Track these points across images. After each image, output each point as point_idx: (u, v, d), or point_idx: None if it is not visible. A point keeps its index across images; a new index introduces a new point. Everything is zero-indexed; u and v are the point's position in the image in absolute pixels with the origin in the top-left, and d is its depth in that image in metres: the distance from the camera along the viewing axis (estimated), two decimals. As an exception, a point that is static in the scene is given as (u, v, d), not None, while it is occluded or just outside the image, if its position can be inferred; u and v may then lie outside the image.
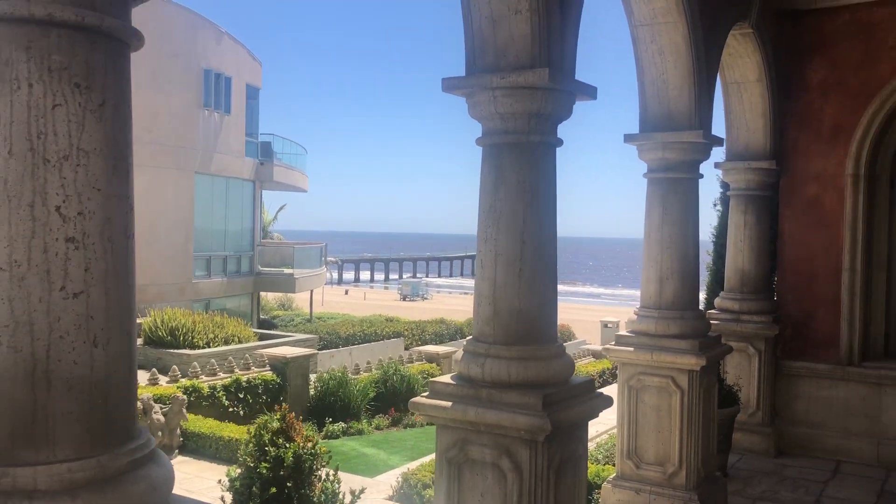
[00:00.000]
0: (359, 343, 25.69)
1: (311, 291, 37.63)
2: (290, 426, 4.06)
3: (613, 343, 6.77)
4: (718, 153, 8.92)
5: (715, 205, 10.63)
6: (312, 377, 15.42)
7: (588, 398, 4.46)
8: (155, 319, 18.86)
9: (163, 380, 13.51)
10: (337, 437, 13.64)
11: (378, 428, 14.56)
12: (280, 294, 41.32)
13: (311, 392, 14.89)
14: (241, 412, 13.15)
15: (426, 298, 67.62)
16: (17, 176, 1.99)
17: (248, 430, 4.38)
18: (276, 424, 4.04)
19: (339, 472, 10.26)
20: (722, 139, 6.91)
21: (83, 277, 2.05)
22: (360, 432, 13.96)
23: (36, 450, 2.00)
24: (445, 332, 30.20)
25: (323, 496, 3.96)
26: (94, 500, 2.02)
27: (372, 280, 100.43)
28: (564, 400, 4.24)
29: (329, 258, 48.83)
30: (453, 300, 68.05)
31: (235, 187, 31.27)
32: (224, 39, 30.40)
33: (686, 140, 6.41)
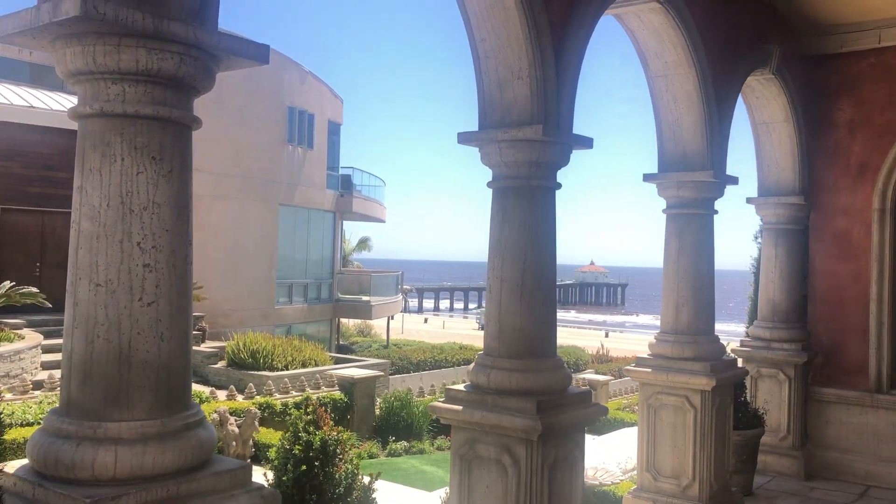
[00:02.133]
0: (429, 369, 26.53)
1: (388, 318, 38.82)
2: (320, 417, 4.89)
3: (634, 364, 7.39)
4: (752, 189, 9.44)
5: (756, 238, 11.04)
6: (378, 399, 16.31)
7: (582, 406, 5.15)
8: (238, 343, 20.11)
9: (239, 397, 14.64)
10: (399, 455, 14.43)
11: (439, 448, 15.28)
12: (359, 321, 42.62)
13: (377, 412, 15.76)
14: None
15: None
16: (112, 221, 2.90)
17: (287, 420, 5.22)
18: (308, 416, 4.89)
19: (398, 485, 11.01)
20: (736, 178, 7.48)
21: (154, 292, 2.94)
22: (422, 451, 14.71)
23: (120, 411, 2.89)
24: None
25: (345, 475, 4.77)
26: (158, 448, 2.89)
27: (451, 309, 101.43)
28: (558, 406, 4.95)
29: (405, 286, 49.98)
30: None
31: (317, 218, 32.74)
32: (308, 79, 32.08)
33: (699, 179, 7.04)
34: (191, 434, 3.01)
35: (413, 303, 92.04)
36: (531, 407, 4.77)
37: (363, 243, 49.87)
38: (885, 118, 8.81)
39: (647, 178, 7.33)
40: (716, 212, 7.31)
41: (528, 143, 4.94)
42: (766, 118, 8.93)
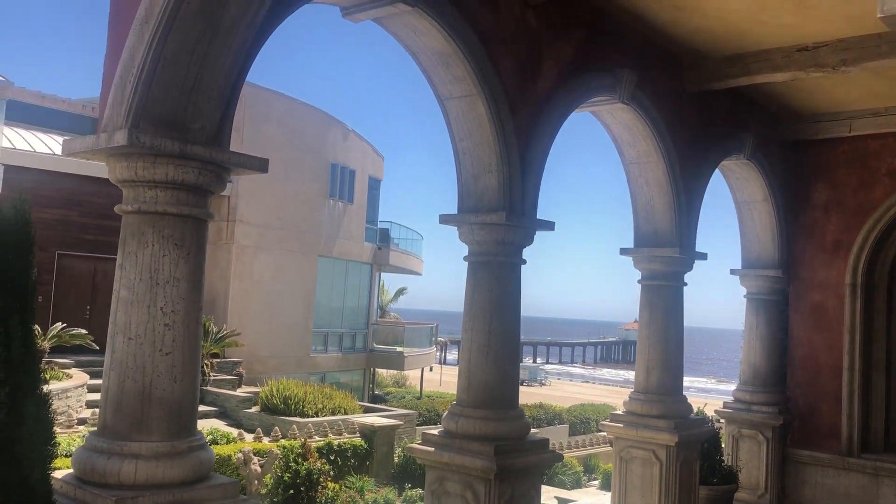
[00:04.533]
0: (456, 420, 27.09)
1: (422, 369, 39.61)
2: (308, 450, 5.77)
3: (609, 420, 8.15)
4: (736, 261, 10.21)
5: (748, 305, 11.71)
6: (398, 447, 17.08)
7: (539, 452, 5.98)
8: (271, 389, 21.06)
9: (266, 439, 15.56)
10: (415, 501, 15.15)
11: (454, 496, 15.94)
12: (395, 371, 43.41)
13: (396, 460, 16.53)
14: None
15: (544, 384, 67.82)
16: (143, 291, 3.90)
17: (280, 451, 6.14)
18: (298, 449, 5.78)
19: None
20: (705, 254, 8.29)
21: (171, 345, 3.92)
22: (436, 498, 15.40)
23: (141, 434, 3.85)
24: (543, 416, 31.12)
25: (325, 499, 5.64)
26: (168, 464, 3.83)
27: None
28: (515, 451, 5.79)
29: (440, 338, 50.70)
30: (571, 387, 68.01)
31: (354, 270, 33.89)
32: (350, 136, 33.61)
33: (668, 255, 7.88)
34: (194, 454, 3.95)
35: (453, 355, 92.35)
36: (490, 450, 5.62)
37: (400, 292, 50.89)
38: (857, 200, 9.56)
39: (623, 251, 8.19)
40: (685, 284, 8.12)
41: (495, 226, 5.88)
42: (746, 197, 9.74)
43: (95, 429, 4.02)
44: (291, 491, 5.39)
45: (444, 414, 6.10)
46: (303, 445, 5.89)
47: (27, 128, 24.29)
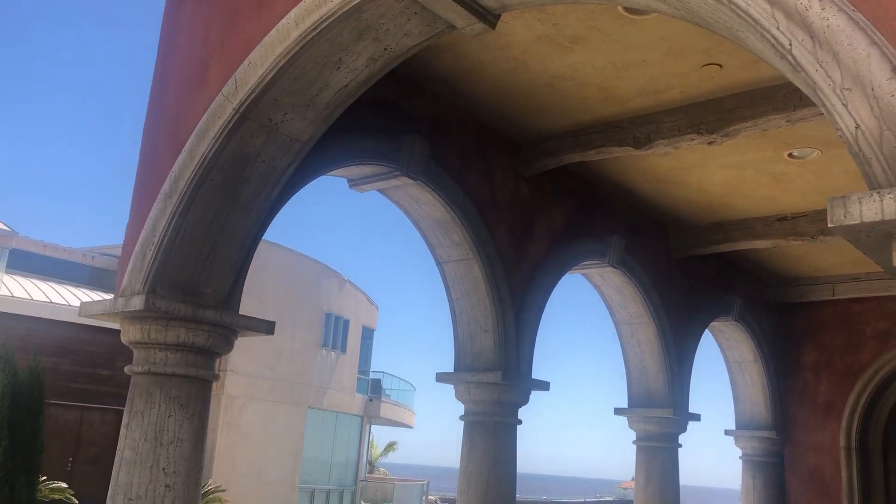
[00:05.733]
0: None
1: (412, 530, 38.07)
2: None
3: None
4: (729, 420, 10.23)
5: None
6: None
7: None
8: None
9: None
10: None
11: None
12: (382, 533, 41.65)
13: None
14: None
15: (538, 547, 64.70)
16: (146, 451, 3.97)
17: None
18: None
19: None
20: (698, 415, 8.35)
21: (171, 506, 3.94)
22: None
23: None
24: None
25: None
26: None
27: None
28: None
29: (430, 496, 49.04)
30: (569, 548, 64.90)
31: (344, 422, 33.28)
32: (345, 286, 33.99)
33: (661, 415, 7.94)
34: None
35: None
36: None
37: (390, 447, 49.69)
38: (845, 362, 9.73)
39: (618, 411, 8.25)
40: (680, 445, 8.12)
41: (491, 385, 6.01)
42: (737, 357, 9.90)
43: None
44: None
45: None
46: None
47: (26, 276, 24.62)
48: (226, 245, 4.19)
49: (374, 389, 36.32)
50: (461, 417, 6.22)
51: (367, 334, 36.13)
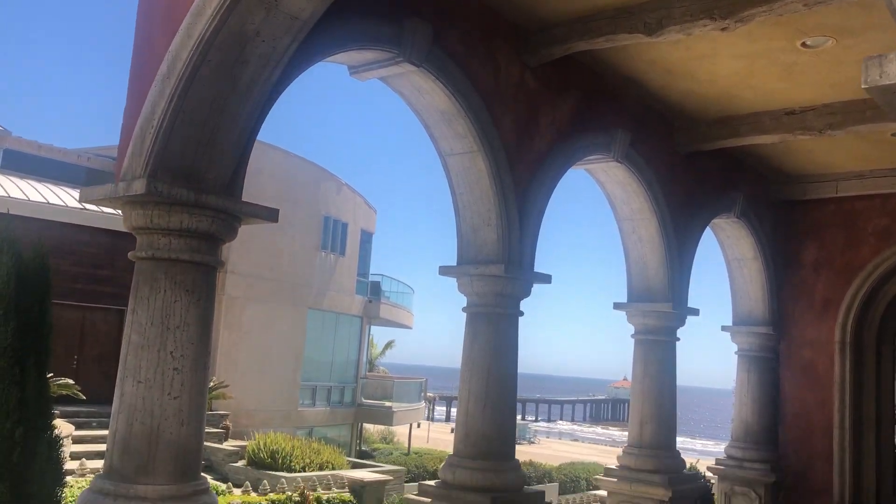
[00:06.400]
0: (444, 477, 26.76)
1: (411, 425, 39.23)
2: (306, 499, 5.78)
3: (603, 474, 8.17)
4: (727, 316, 10.35)
5: (739, 362, 11.81)
6: (386, 502, 16.88)
7: (534, 504, 6.00)
8: (258, 443, 20.77)
9: (254, 494, 15.38)
10: (403, 558, 14.94)
11: (443, 554, 15.73)
12: (382, 427, 42.89)
13: (385, 515, 16.33)
14: None
15: (532, 442, 66.91)
16: (153, 335, 3.99)
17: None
18: (296, 497, 5.79)
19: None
20: (697, 310, 8.43)
21: (179, 389, 3.99)
22: (425, 556, 15.19)
23: (147, 477, 3.89)
24: (533, 474, 30.70)
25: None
26: (173, 507, 3.87)
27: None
28: (512, 503, 5.81)
29: (429, 394, 50.34)
30: (559, 445, 67.10)
31: (344, 322, 33.79)
32: (343, 190, 33.88)
33: (660, 310, 8.01)
34: (199, 498, 3.99)
35: (441, 410, 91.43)
36: (486, 502, 5.64)
37: (389, 345, 50.63)
38: (844, 259, 9.77)
39: (617, 306, 8.32)
40: (678, 339, 8.24)
41: (494, 278, 6.01)
42: (737, 255, 9.93)
43: (101, 471, 4.06)
44: (290, 538, 5.38)
45: (442, 464, 6.13)
46: (301, 493, 5.90)
47: (22, 176, 24.44)
48: (226, 129, 4.09)
49: (374, 291, 36.70)
50: (464, 309, 6.26)
51: (366, 238, 36.24)
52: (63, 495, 3.46)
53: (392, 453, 35.73)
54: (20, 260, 3.45)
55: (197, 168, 4.07)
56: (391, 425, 36.84)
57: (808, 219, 10.12)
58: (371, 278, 36.88)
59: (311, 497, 5.95)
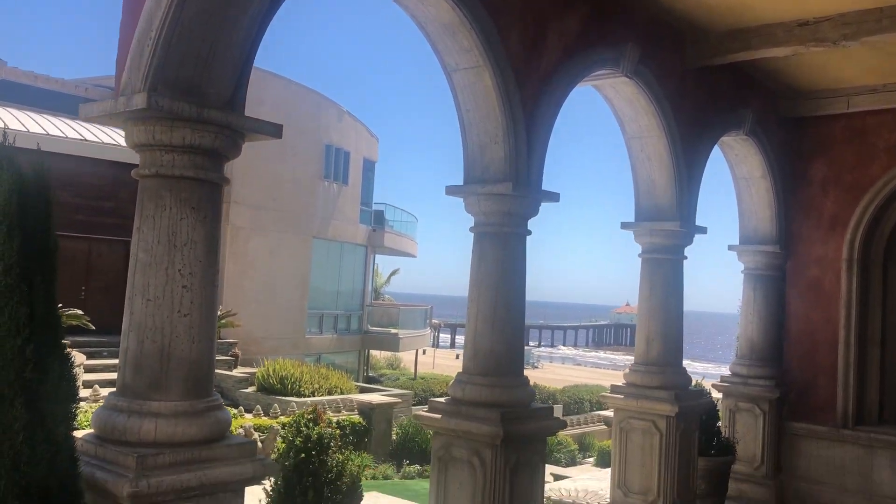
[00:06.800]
0: (451, 401, 27.27)
1: (417, 352, 39.79)
2: (319, 416, 5.87)
3: (609, 391, 8.26)
4: (734, 237, 10.30)
5: (745, 282, 11.83)
6: (396, 425, 17.23)
7: (542, 419, 6.08)
8: (268, 369, 21.13)
9: (265, 417, 15.69)
10: (412, 477, 15.29)
11: (451, 473, 16.11)
12: (388, 354, 43.52)
13: (394, 437, 16.68)
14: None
15: (536, 367, 68.00)
16: (161, 254, 3.95)
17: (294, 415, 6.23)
18: (309, 415, 5.88)
19: (407, 501, 11.75)
20: (705, 228, 8.37)
21: (189, 307, 3.97)
22: (434, 475, 15.57)
23: (160, 393, 3.91)
24: (537, 397, 31.31)
25: (336, 463, 5.74)
26: (186, 423, 3.90)
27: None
28: (521, 417, 5.88)
29: (434, 321, 50.87)
30: (563, 370, 68.23)
31: (349, 251, 33.92)
32: (345, 118, 33.53)
33: (668, 228, 7.96)
34: (211, 414, 4.02)
35: (445, 338, 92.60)
36: (496, 417, 5.71)
37: (394, 273, 50.91)
38: (853, 177, 9.66)
39: (624, 225, 8.27)
40: (685, 257, 8.21)
41: (501, 196, 5.95)
42: (745, 173, 9.82)
43: (114, 390, 4.08)
44: (303, 455, 5.47)
45: (451, 382, 6.19)
46: (314, 410, 5.99)
47: (19, 108, 24.16)
48: (227, 42, 3.97)
49: (377, 220, 36.73)
50: (471, 229, 6.21)
51: (369, 166, 36.06)
52: (78, 411, 3.47)
53: (398, 379, 36.40)
54: (21, 177, 3.38)
55: (198, 82, 3.96)
56: (397, 351, 37.38)
57: (818, 136, 9.96)
58: (374, 207, 36.86)
59: (324, 414, 6.03)
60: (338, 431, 6.09)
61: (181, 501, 3.78)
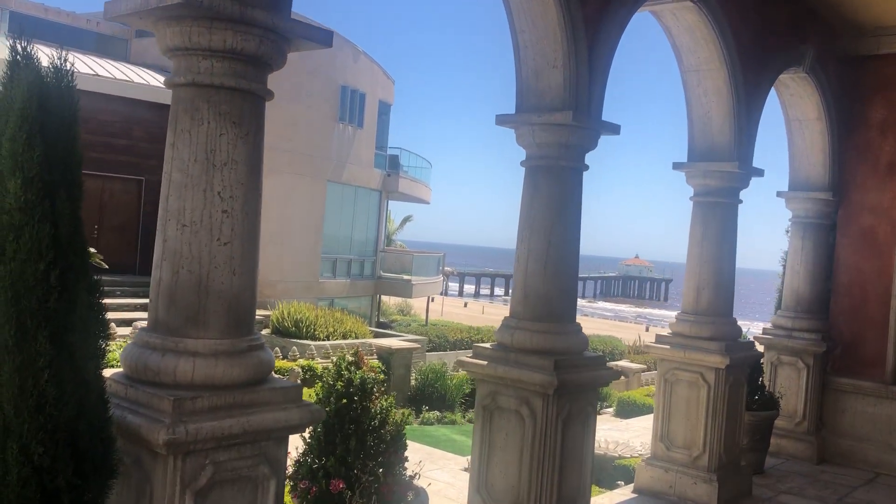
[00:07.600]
0: (465, 348, 27.07)
1: (428, 298, 39.55)
2: (360, 359, 5.50)
3: (654, 341, 7.84)
4: (783, 183, 9.76)
5: (787, 232, 11.31)
6: (414, 371, 16.97)
7: (596, 368, 5.67)
8: (282, 311, 20.87)
9: (284, 360, 15.43)
10: (432, 423, 15.08)
11: (470, 420, 15.89)
12: (400, 300, 43.37)
13: (413, 382, 16.43)
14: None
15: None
16: (197, 173, 3.49)
17: (332, 359, 5.85)
18: (350, 358, 5.49)
19: (430, 448, 11.52)
20: (762, 171, 7.85)
21: (230, 234, 3.53)
22: (453, 422, 15.34)
23: (197, 330, 3.49)
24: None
25: (380, 409, 5.38)
26: (227, 363, 3.49)
27: (492, 295, 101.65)
28: (574, 366, 5.47)
29: (446, 268, 50.60)
30: (570, 320, 67.96)
31: (363, 196, 33.41)
32: (361, 58, 32.69)
33: (725, 169, 7.44)
34: (253, 354, 3.60)
35: (454, 287, 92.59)
36: (549, 364, 5.30)
37: (407, 220, 50.49)
38: (916, 120, 9.07)
39: (677, 166, 7.75)
40: (740, 201, 7.71)
41: (559, 126, 5.44)
42: (798, 115, 9.24)
43: (145, 325, 3.66)
44: (344, 400, 5.09)
45: (498, 327, 5.77)
46: (356, 353, 5.60)
47: (29, 41, 23.50)
48: (274, -71, 3.44)
49: (392, 165, 36.13)
50: (522, 163, 5.72)
51: (384, 109, 35.31)
52: (108, 347, 3.05)
53: (410, 325, 36.21)
54: (40, 77, 2.90)
55: (240, -23, 3.44)
56: (410, 297, 37.13)
57: (878, 76, 9.34)
58: (389, 151, 36.23)
59: (364, 355, 5.64)
60: (382, 376, 5.72)
61: (221, 450, 3.39)
